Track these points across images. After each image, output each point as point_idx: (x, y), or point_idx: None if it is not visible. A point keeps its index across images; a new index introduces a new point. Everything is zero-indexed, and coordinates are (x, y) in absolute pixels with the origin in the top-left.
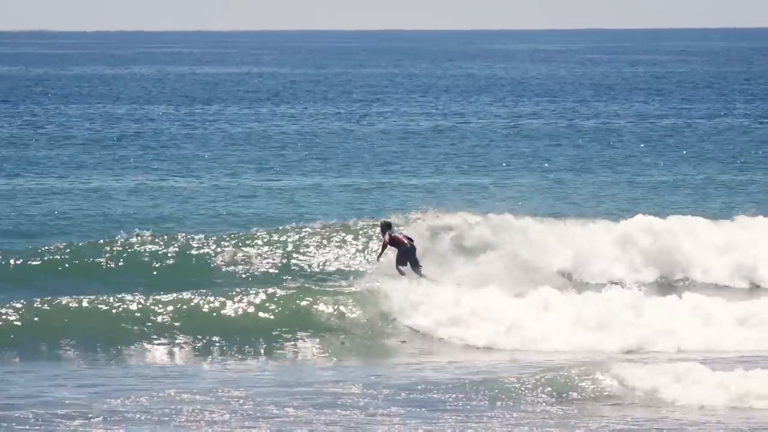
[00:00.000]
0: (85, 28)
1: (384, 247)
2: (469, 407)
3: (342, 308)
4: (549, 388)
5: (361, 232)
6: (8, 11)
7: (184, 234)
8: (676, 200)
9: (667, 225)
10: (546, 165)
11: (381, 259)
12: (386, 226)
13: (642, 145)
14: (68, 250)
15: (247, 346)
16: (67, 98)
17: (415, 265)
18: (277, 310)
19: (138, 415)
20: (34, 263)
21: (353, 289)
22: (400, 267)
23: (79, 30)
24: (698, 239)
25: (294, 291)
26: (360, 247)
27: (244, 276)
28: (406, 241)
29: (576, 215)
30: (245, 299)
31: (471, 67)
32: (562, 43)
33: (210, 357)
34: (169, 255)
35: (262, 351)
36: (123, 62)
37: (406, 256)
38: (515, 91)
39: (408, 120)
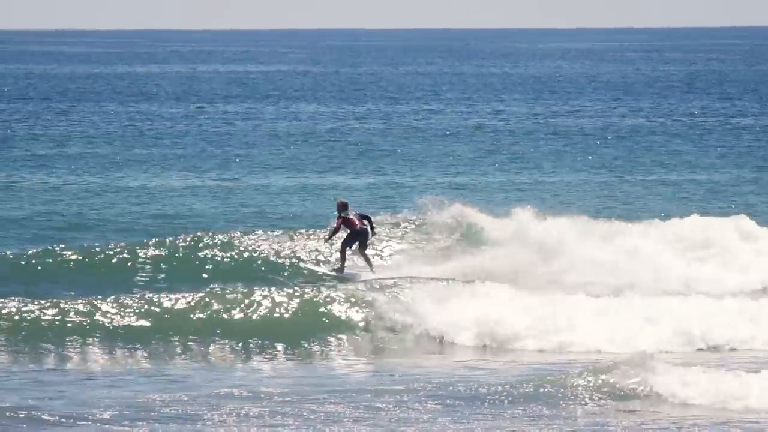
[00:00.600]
0: (98, 26)
1: (337, 228)
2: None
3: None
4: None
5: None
6: (28, 10)
7: (230, 232)
8: None
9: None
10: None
11: (332, 241)
12: (343, 207)
13: None
14: (118, 249)
15: (284, 345)
16: (109, 97)
17: (363, 247)
18: (317, 310)
19: (173, 411)
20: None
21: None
22: (346, 249)
23: (96, 29)
24: None
25: (351, 289)
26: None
27: (286, 273)
28: (358, 223)
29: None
30: (280, 297)
31: (519, 65)
32: (590, 41)
33: (249, 355)
34: (219, 253)
35: (300, 349)
36: (153, 60)
37: (356, 237)
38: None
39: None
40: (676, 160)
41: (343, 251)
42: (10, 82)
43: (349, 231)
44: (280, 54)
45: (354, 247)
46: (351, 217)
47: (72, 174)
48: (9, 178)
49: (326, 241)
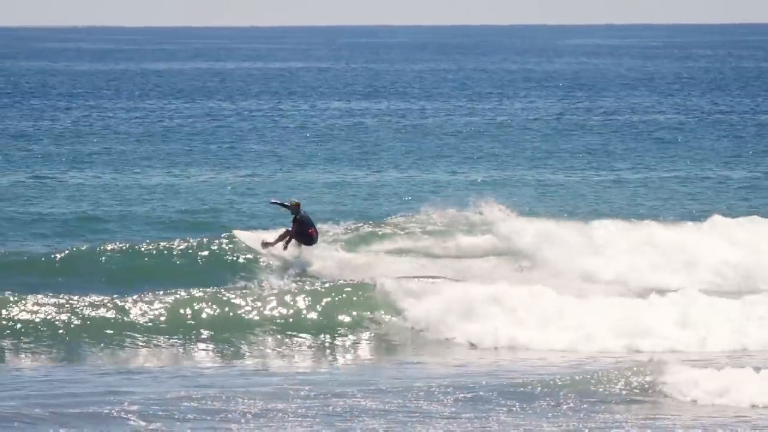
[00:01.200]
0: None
1: (292, 234)
2: None
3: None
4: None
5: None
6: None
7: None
8: None
9: None
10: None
11: (287, 248)
12: (297, 208)
13: None
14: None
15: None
16: (145, 93)
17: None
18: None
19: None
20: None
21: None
22: (286, 245)
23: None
24: None
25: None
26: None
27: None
28: (313, 231)
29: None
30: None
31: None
32: (621, 38)
33: (285, 354)
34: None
35: (333, 348)
36: (176, 58)
37: (305, 241)
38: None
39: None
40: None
41: (284, 240)
42: (33, 79)
43: (298, 232)
44: (301, 51)
45: (296, 245)
46: (304, 219)
47: (110, 172)
48: (45, 174)
49: (284, 249)
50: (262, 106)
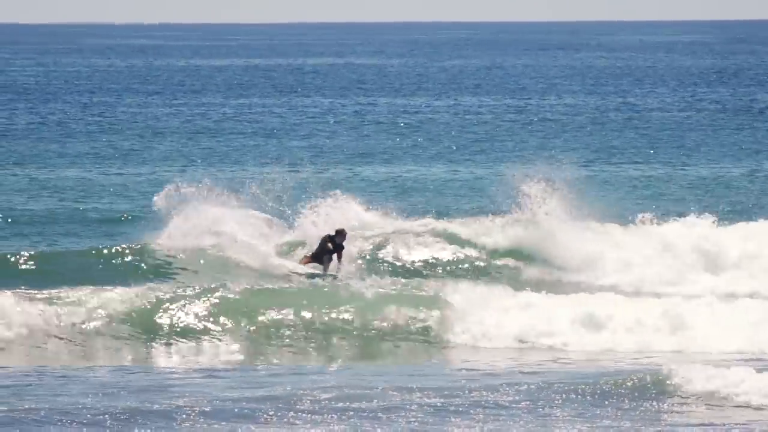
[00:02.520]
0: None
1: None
2: None
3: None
4: None
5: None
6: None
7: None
8: None
9: None
10: None
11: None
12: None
13: None
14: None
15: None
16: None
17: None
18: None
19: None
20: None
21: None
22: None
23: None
24: None
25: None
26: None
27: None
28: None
29: None
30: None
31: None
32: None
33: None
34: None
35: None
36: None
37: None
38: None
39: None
40: None
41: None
42: (85, 75)
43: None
44: (345, 47)
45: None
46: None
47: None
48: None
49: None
50: (390, 101)
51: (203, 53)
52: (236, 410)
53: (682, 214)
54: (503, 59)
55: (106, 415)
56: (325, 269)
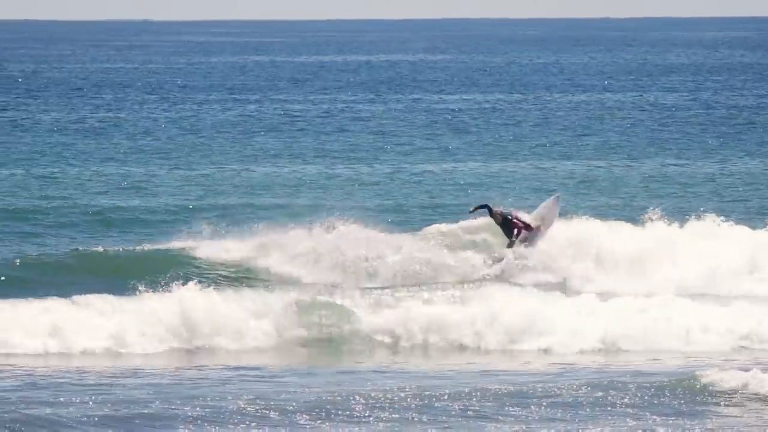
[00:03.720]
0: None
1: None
2: None
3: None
4: None
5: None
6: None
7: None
8: None
9: None
10: None
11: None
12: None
13: None
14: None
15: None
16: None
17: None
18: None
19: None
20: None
21: None
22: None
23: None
24: None
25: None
26: None
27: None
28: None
29: None
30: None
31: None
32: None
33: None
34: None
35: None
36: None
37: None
38: None
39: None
40: None
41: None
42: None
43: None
44: (398, 43)
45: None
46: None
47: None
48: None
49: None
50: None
51: (301, 50)
52: None
53: None
54: (560, 56)
55: None
56: (511, 244)
